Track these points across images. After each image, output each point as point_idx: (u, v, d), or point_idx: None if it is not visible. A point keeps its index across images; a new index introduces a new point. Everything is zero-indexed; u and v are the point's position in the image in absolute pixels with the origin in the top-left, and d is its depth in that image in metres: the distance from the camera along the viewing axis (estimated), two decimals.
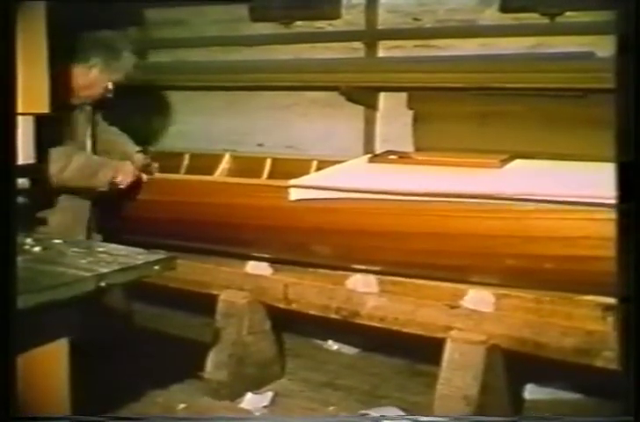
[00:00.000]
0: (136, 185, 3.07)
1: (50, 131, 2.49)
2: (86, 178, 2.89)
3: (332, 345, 3.72)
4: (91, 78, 2.86)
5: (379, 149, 3.96)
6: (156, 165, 3.30)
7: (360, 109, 4.23)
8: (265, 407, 3.10)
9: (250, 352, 3.23)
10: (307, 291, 3.10)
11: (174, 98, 4.36)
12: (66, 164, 2.82)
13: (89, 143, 3.05)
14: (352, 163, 3.21)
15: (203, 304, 3.33)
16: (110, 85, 2.91)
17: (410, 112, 3.99)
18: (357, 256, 2.93)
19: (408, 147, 3.80)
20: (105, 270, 1.93)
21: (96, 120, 3.17)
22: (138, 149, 3.34)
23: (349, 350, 3.67)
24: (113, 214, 3.18)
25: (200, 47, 4.69)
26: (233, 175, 3.68)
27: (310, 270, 3.13)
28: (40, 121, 2.21)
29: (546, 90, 3.49)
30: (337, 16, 4.23)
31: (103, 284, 1.89)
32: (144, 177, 3.13)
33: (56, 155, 2.75)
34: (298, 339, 3.71)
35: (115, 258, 2.04)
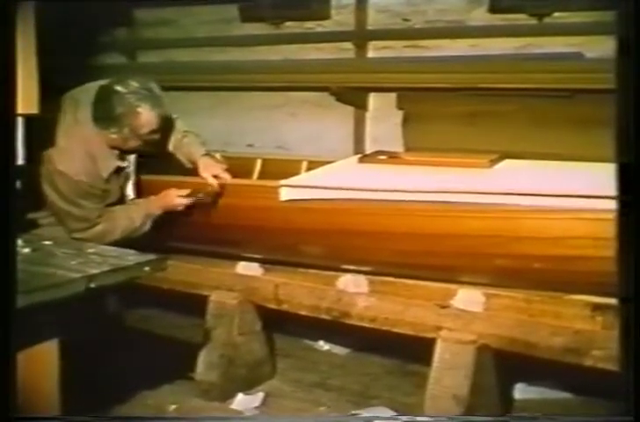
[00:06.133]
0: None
1: (40, 132, 2.48)
2: (131, 234, 2.88)
3: (323, 346, 3.72)
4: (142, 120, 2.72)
5: (369, 149, 3.97)
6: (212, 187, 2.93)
7: (349, 109, 4.23)
8: (256, 408, 3.10)
9: (240, 352, 3.23)
10: (297, 291, 3.10)
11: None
12: (109, 230, 2.82)
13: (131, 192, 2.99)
14: (342, 164, 3.22)
15: (193, 305, 3.32)
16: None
17: (400, 113, 4.00)
18: (347, 256, 2.94)
19: (398, 147, 3.81)
20: (94, 271, 1.93)
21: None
22: (204, 151, 3.06)
23: (340, 350, 3.67)
24: None
25: (189, 47, 4.69)
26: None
27: (301, 270, 3.13)
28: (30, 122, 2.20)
29: (534, 90, 3.50)
30: (326, 16, 4.24)
31: (93, 285, 1.89)
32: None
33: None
34: (289, 340, 3.70)
35: (105, 259, 2.04)
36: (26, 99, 2.08)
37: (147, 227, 2.91)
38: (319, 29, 4.29)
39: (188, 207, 2.91)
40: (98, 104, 2.76)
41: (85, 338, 2.66)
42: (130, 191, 2.99)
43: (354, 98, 4.16)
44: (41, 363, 1.91)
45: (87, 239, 2.74)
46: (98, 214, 2.81)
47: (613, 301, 2.42)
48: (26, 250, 2.09)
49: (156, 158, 3.07)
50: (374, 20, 4.11)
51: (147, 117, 2.72)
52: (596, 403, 2.96)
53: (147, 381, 3.12)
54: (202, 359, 3.19)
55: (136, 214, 2.89)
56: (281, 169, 3.38)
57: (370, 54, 4.16)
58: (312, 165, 3.34)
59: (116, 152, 2.85)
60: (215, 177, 2.94)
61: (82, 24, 4.41)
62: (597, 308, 2.54)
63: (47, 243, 2.22)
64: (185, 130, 3.12)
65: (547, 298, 2.65)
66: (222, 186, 2.94)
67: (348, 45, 4.18)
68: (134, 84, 2.73)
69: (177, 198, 2.89)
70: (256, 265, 3.23)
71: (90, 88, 2.82)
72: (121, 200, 2.95)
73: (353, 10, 4.14)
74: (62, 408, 1.99)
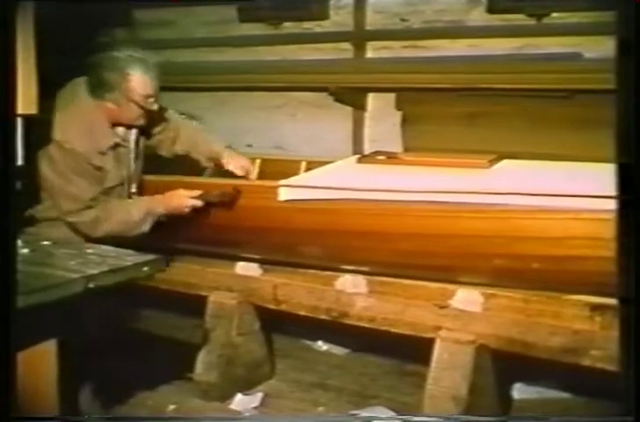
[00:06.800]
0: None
1: (38, 133, 2.48)
2: (128, 229, 2.78)
3: (322, 346, 3.73)
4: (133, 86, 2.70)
5: (367, 149, 3.97)
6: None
7: (348, 110, 4.23)
8: (255, 408, 3.10)
9: (239, 353, 3.23)
10: (296, 292, 3.10)
11: (162, 99, 4.36)
12: (104, 219, 2.73)
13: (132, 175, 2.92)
14: (340, 164, 3.22)
15: (192, 305, 3.32)
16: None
17: (399, 113, 4.00)
18: (346, 256, 2.94)
19: (396, 147, 3.81)
20: (93, 271, 1.93)
21: (171, 118, 3.06)
22: (225, 144, 3.04)
23: (338, 350, 3.68)
24: None
25: (188, 47, 4.69)
26: (222, 176, 3.68)
27: (300, 270, 3.13)
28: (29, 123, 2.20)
29: (533, 90, 3.51)
30: (325, 17, 4.24)
31: (92, 285, 1.89)
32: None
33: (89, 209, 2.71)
34: (288, 340, 3.71)
35: (104, 260, 2.05)
36: (25, 100, 2.08)
37: (147, 226, 2.81)
38: (318, 29, 4.28)
39: (195, 210, 2.84)
40: (91, 72, 2.76)
41: (84, 338, 2.66)
42: (133, 186, 2.93)
43: (353, 98, 4.16)
44: (40, 363, 1.91)
45: (80, 224, 2.71)
46: (92, 196, 2.73)
47: (611, 301, 2.42)
48: (25, 250, 2.08)
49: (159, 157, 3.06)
50: (372, 20, 4.10)
51: (138, 79, 2.70)
52: (594, 404, 2.96)
53: (146, 381, 3.13)
54: (201, 359, 3.19)
55: (136, 208, 2.79)
56: (280, 169, 3.38)
57: (369, 54, 4.15)
58: (311, 165, 3.34)
59: (118, 130, 2.81)
60: (242, 168, 2.92)
61: (81, 24, 4.41)
62: (596, 308, 2.54)
63: (45, 243, 2.22)
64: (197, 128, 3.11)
65: (545, 298, 2.65)
66: (239, 188, 2.87)
67: (347, 45, 4.18)
68: (126, 51, 2.75)
69: (186, 199, 2.81)
70: (255, 265, 3.23)
71: None
72: (121, 191, 2.88)
73: (352, 11, 4.14)
74: (61, 408, 1.99)
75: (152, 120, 2.90)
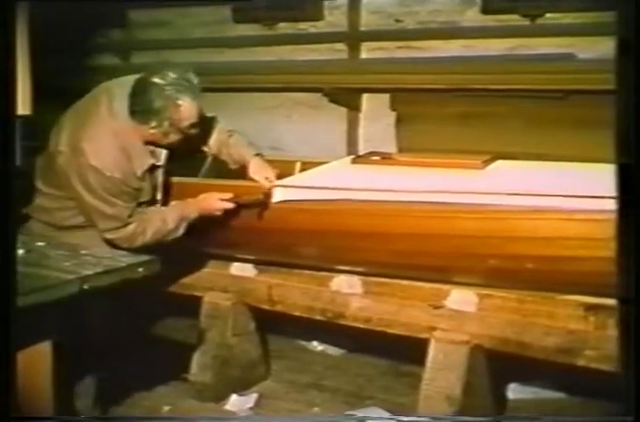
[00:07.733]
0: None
1: (33, 133, 2.47)
2: (164, 237, 2.74)
3: (317, 346, 3.72)
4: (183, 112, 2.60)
5: (362, 149, 3.98)
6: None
7: (343, 110, 4.24)
8: (250, 409, 3.10)
9: (234, 353, 3.23)
10: (291, 292, 3.10)
11: None
12: (141, 231, 2.68)
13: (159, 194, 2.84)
14: (335, 165, 3.21)
15: (187, 306, 3.32)
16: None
17: (393, 114, 4.02)
18: (341, 257, 2.94)
19: (391, 148, 3.82)
20: (88, 272, 1.93)
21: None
22: (255, 152, 2.95)
23: (334, 351, 3.68)
24: None
25: (184, 48, 4.69)
26: (220, 172, 3.68)
27: (295, 271, 3.13)
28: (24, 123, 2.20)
29: (527, 91, 3.52)
30: (319, 17, 4.25)
31: (86, 286, 1.89)
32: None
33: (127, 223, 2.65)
34: (283, 341, 3.71)
35: (99, 261, 2.05)
36: (20, 100, 2.08)
37: (181, 231, 2.76)
38: (312, 30, 4.30)
39: (226, 212, 2.79)
40: (136, 97, 2.61)
41: (80, 339, 2.66)
42: (159, 192, 2.86)
43: (348, 99, 4.17)
44: (35, 364, 1.91)
45: (118, 239, 2.65)
46: (129, 213, 2.67)
47: (606, 301, 2.43)
48: (20, 251, 2.08)
49: (190, 156, 3.00)
50: (366, 21, 4.12)
51: (188, 109, 2.61)
52: (589, 403, 2.97)
53: (141, 382, 3.12)
54: (196, 360, 3.19)
55: (170, 216, 2.74)
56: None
57: (363, 55, 4.17)
58: (305, 166, 3.34)
59: (150, 148, 2.72)
60: (266, 179, 2.85)
61: (76, 25, 4.41)
62: (590, 308, 2.54)
63: (40, 244, 2.22)
64: (229, 129, 3.03)
65: (540, 298, 2.66)
66: (270, 191, 2.84)
67: (341, 46, 4.19)
68: (172, 75, 2.60)
69: (218, 202, 2.76)
70: (250, 266, 3.22)
71: (126, 81, 2.68)
72: (153, 200, 2.82)
73: (346, 12, 4.16)
74: (57, 408, 1.99)
75: None
